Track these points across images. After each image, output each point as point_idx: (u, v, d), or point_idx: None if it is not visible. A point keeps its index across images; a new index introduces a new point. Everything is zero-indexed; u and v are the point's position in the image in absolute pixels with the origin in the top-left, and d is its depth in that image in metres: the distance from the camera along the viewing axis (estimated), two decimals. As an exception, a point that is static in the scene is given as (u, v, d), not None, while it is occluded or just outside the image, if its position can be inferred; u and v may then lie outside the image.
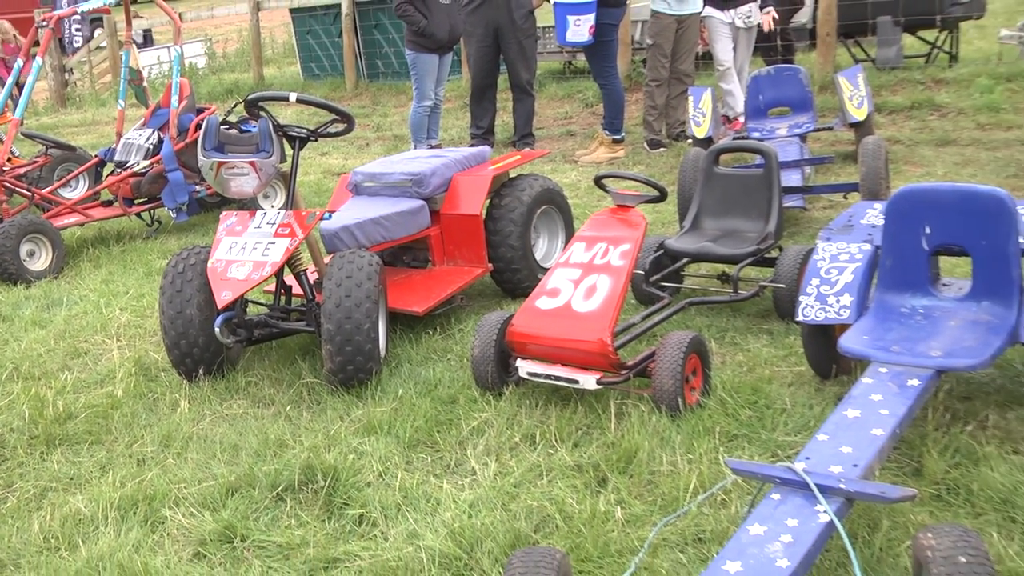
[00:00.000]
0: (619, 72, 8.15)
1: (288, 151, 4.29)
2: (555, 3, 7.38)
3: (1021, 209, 3.37)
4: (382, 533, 2.92)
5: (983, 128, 7.31)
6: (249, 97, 4.04)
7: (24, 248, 5.98)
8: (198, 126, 6.65)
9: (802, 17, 9.92)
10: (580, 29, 7.27)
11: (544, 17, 9.00)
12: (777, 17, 7.48)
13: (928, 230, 3.28)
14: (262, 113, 4.12)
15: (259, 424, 3.69)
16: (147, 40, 17.66)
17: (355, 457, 3.32)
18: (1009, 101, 7.72)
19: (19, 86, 10.33)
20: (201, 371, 4.03)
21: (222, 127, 4.18)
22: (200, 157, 4.10)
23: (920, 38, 9.32)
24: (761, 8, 7.36)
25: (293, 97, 4.05)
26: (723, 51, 7.43)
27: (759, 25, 7.49)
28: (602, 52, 7.75)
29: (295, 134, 4.15)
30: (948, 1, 8.75)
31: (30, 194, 6.65)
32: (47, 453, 3.63)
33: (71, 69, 16.07)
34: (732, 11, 7.36)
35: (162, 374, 4.25)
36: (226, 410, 3.85)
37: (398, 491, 3.12)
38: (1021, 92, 7.87)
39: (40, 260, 6.12)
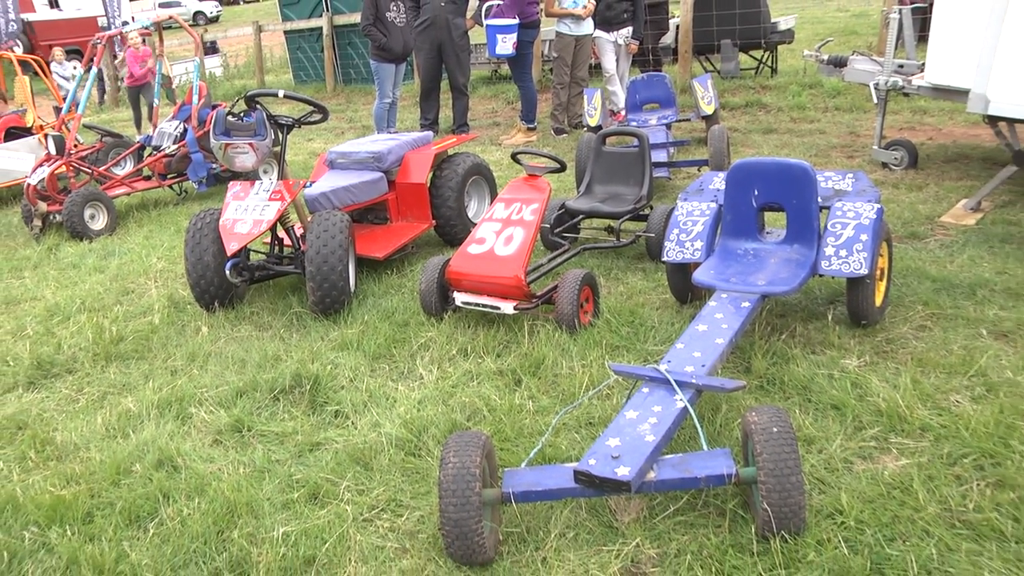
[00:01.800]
0: (533, 77, 8.06)
1: (279, 136, 4.13)
2: (487, 25, 7.30)
3: (820, 178, 3.39)
4: (353, 423, 2.89)
5: (795, 121, 7.39)
6: (248, 94, 3.95)
7: (87, 212, 5.93)
8: (213, 118, 6.46)
9: (667, 39, 9.99)
10: (506, 44, 7.26)
11: (476, 37, 8.80)
12: (636, 49, 7.54)
13: (756, 192, 3.27)
14: (258, 106, 4.01)
15: (260, 343, 3.64)
16: (214, 48, 16.83)
17: (332, 367, 3.29)
18: (811, 102, 7.83)
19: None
20: (216, 304, 3.99)
21: (229, 117, 4.09)
22: (212, 140, 4.06)
23: (751, 56, 9.37)
24: (633, 37, 7.36)
25: (281, 93, 3.97)
26: (609, 62, 7.37)
27: (630, 45, 7.48)
28: (521, 62, 7.70)
29: (283, 122, 4.04)
30: (769, 30, 8.88)
31: (90, 171, 6.54)
32: (106, 366, 3.59)
33: (122, 78, 15.47)
34: (615, 32, 7.33)
35: (188, 306, 4.18)
36: (236, 333, 3.80)
37: (365, 392, 3.09)
38: (819, 96, 7.97)
39: (99, 222, 6.04)
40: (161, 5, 29.08)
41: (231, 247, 3.74)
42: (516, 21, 7.24)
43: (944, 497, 2.19)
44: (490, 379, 3.06)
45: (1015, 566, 1.94)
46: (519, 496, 2.13)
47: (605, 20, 7.32)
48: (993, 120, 4.46)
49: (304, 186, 4.12)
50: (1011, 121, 4.41)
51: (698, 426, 2.28)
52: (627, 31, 7.36)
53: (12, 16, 18.45)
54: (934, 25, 4.93)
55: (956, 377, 2.77)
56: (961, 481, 2.25)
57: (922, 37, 6.44)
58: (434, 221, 4.66)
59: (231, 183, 4.05)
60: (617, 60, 7.45)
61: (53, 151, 6.31)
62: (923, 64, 5.25)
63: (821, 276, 3.20)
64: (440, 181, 4.65)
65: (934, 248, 4.01)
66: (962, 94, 4.56)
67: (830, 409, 2.65)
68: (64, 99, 6.75)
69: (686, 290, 3.51)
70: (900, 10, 5.50)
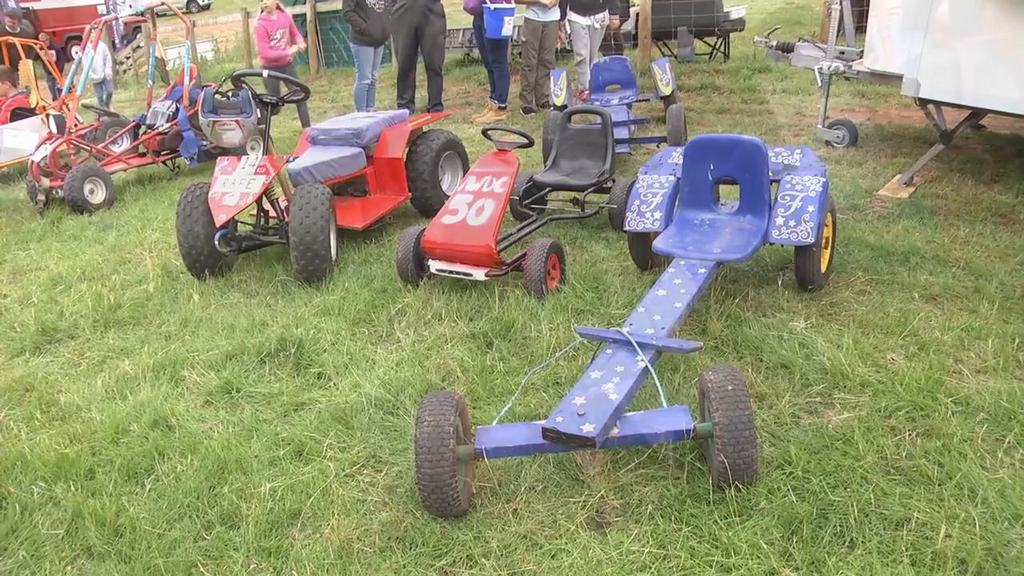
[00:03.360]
0: (507, 60, 7.85)
1: (264, 113, 3.95)
2: (494, 8, 7.04)
3: (770, 153, 3.33)
4: (335, 384, 2.81)
5: (746, 102, 7.32)
6: (234, 74, 3.78)
7: (86, 187, 5.71)
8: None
9: (628, 26, 9.82)
10: (508, 26, 7.21)
11: (451, 22, 8.54)
12: (618, 23, 7.43)
13: (712, 166, 3.20)
14: (244, 85, 3.84)
15: (248, 310, 3.53)
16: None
17: (315, 331, 3.19)
18: (761, 85, 7.76)
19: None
20: (207, 272, 3.86)
21: (216, 96, 3.89)
22: (200, 117, 3.89)
23: (705, 42, 9.26)
24: (610, 14, 7.20)
25: (265, 73, 3.78)
26: (581, 46, 7.22)
27: (607, 26, 7.29)
28: (498, 45, 7.52)
29: (267, 100, 3.89)
30: (722, 18, 8.79)
31: (89, 148, 6.29)
32: (105, 332, 3.48)
33: (120, 62, 15.04)
34: (591, 17, 7.16)
35: (181, 275, 4.04)
36: (225, 300, 3.68)
37: (346, 355, 3.00)
38: (768, 80, 7.91)
39: (98, 196, 5.81)
40: (156, -7, 28.03)
41: (220, 219, 3.62)
42: (513, 5, 7.11)
43: (881, 447, 2.18)
44: (463, 342, 2.98)
45: (938, 505, 1.96)
46: (491, 452, 2.07)
47: (581, 6, 7.13)
48: (923, 102, 4.50)
49: (288, 161, 3.99)
50: (939, 104, 4.43)
51: (658, 385, 2.23)
52: (603, 15, 7.17)
53: (12, 4, 17.83)
54: (871, 16, 4.94)
55: (892, 337, 2.76)
56: (895, 432, 2.25)
57: (859, 28, 6.44)
58: (410, 193, 4.54)
59: (219, 158, 3.89)
60: (589, 43, 7.29)
61: (55, 130, 6.08)
62: (862, 51, 5.24)
63: (771, 244, 3.16)
64: (416, 156, 4.52)
65: (872, 219, 3.99)
66: (896, 79, 4.57)
67: (780, 368, 2.62)
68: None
69: (646, 257, 3.45)
70: (841, 2, 5.49)
